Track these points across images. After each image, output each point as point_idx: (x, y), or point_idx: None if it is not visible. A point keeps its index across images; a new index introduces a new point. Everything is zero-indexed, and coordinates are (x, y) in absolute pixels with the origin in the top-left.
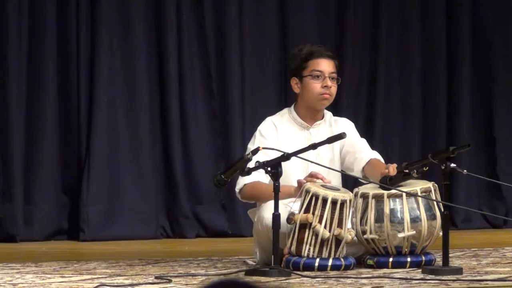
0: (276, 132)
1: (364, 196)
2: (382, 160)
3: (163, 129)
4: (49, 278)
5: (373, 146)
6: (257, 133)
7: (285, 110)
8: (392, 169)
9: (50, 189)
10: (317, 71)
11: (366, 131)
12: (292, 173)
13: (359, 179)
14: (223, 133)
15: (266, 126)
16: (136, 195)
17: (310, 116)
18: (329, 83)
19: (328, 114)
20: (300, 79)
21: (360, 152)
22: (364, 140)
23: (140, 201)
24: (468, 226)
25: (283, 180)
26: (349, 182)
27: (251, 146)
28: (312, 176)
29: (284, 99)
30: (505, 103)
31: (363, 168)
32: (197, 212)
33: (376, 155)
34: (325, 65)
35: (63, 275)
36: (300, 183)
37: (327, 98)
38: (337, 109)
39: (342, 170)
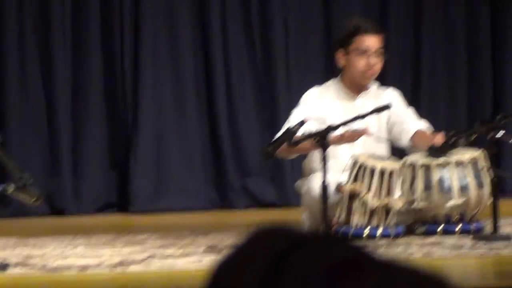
0: (321, 102)
1: (413, 165)
2: (430, 129)
3: (209, 102)
4: (100, 250)
5: (419, 116)
6: (302, 99)
7: (331, 82)
8: (440, 138)
9: (99, 163)
10: (362, 48)
11: (412, 101)
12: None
13: (407, 149)
14: (269, 105)
15: (312, 94)
16: (184, 167)
17: (356, 88)
18: (374, 60)
19: (374, 84)
20: (346, 53)
21: (407, 122)
22: (411, 110)
23: (188, 173)
24: None
25: (329, 151)
26: (397, 152)
27: (295, 111)
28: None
29: (330, 70)
30: None
31: (411, 138)
32: (245, 183)
33: (423, 124)
34: (371, 41)
35: (114, 247)
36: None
37: (371, 76)
38: (383, 78)
39: (388, 140)
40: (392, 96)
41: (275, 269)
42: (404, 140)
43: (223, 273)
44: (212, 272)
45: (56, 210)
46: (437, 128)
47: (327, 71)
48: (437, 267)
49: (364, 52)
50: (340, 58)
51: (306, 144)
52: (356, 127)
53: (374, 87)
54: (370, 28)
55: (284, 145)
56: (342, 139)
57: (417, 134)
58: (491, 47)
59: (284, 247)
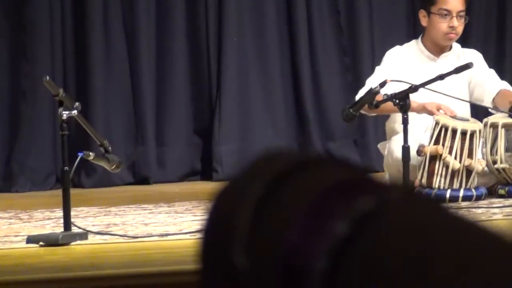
0: (403, 62)
1: (494, 126)
2: None
3: (292, 66)
4: (181, 217)
5: (503, 77)
6: (385, 57)
7: (413, 42)
8: None
9: (182, 131)
10: (445, 9)
11: (496, 57)
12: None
13: (489, 109)
14: (352, 69)
15: (395, 52)
16: (267, 133)
17: (437, 48)
18: (455, 22)
19: (456, 46)
20: (428, 14)
21: (489, 83)
22: (492, 71)
23: (272, 138)
24: None
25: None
26: (479, 112)
27: (377, 70)
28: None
29: (412, 33)
30: None
31: (493, 99)
32: (329, 148)
33: (506, 85)
34: (454, 4)
35: (195, 214)
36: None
37: (453, 38)
38: (466, 39)
39: (470, 101)
40: (473, 57)
41: (272, 190)
42: (487, 101)
43: (223, 194)
44: (215, 194)
45: (140, 179)
46: None
47: (409, 33)
48: None
49: (446, 14)
50: (422, 18)
51: (388, 105)
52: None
53: (455, 48)
54: None
55: (366, 107)
56: (424, 110)
57: (500, 94)
58: None
59: (285, 168)
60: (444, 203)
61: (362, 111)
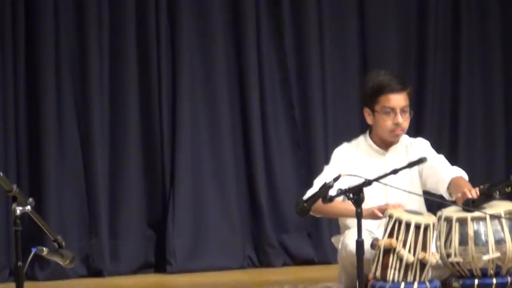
0: (352, 157)
1: (448, 219)
2: (465, 175)
3: (247, 160)
4: None
5: (456, 161)
6: (333, 155)
7: (361, 138)
8: (474, 193)
9: (136, 223)
10: (388, 107)
11: (449, 148)
12: (371, 199)
13: (441, 201)
14: (306, 162)
15: (342, 150)
16: (221, 226)
17: (385, 143)
18: (400, 119)
19: (404, 137)
20: (372, 112)
21: (441, 172)
22: (442, 157)
23: (226, 231)
24: None
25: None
26: (433, 205)
27: (327, 167)
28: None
29: (367, 127)
30: None
31: (447, 188)
32: (283, 240)
33: (457, 172)
34: (396, 101)
35: None
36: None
37: (399, 134)
38: (420, 123)
39: (422, 193)
40: (422, 147)
41: None
42: (442, 190)
43: None
44: None
45: (94, 272)
46: (474, 179)
47: (364, 127)
48: None
49: (390, 111)
50: (368, 117)
51: (341, 207)
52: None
53: (403, 140)
54: (394, 86)
55: (319, 202)
56: (372, 216)
57: (453, 183)
58: None
59: None
60: None
61: (313, 213)
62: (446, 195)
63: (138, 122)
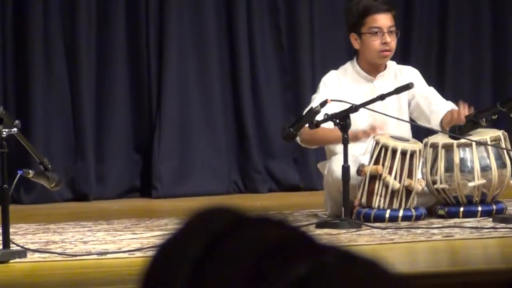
0: (340, 85)
1: (434, 146)
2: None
3: (233, 85)
4: (120, 235)
5: (443, 95)
6: (321, 84)
7: (348, 64)
8: (461, 111)
9: (122, 147)
10: (375, 27)
11: (436, 78)
12: (359, 124)
13: (429, 128)
14: (293, 87)
15: (330, 77)
16: (207, 151)
17: (373, 68)
18: (388, 38)
19: (392, 64)
20: (359, 36)
21: (435, 104)
22: (432, 89)
23: (212, 157)
24: None
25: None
26: (419, 132)
27: (315, 96)
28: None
29: (353, 52)
30: None
31: (441, 120)
32: (269, 166)
33: (451, 106)
34: (383, 20)
35: (134, 232)
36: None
37: (387, 55)
38: (407, 55)
39: (410, 120)
40: (411, 74)
41: (210, 251)
42: (435, 123)
43: (160, 253)
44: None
45: (80, 196)
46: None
47: (351, 52)
48: (457, 248)
49: (377, 31)
50: (354, 42)
51: (329, 134)
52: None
53: (392, 66)
54: (380, 7)
55: (306, 128)
56: (357, 139)
57: (447, 116)
58: None
59: (222, 228)
60: (378, 266)
61: (304, 142)
62: (437, 127)
63: (125, 46)
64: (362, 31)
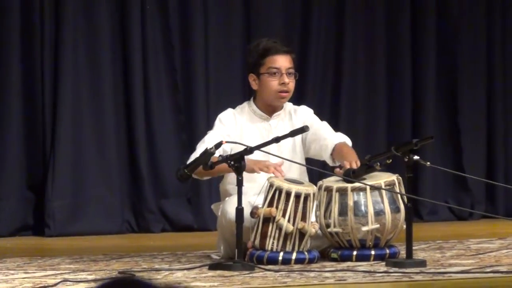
0: (235, 123)
1: (328, 189)
2: (349, 141)
3: (128, 124)
4: (12, 274)
5: (337, 127)
6: (217, 121)
7: (245, 104)
8: (354, 164)
9: (15, 185)
10: (274, 68)
11: (330, 123)
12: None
13: (323, 171)
14: (188, 127)
15: (227, 115)
16: (101, 189)
17: (269, 109)
18: (286, 79)
19: (288, 104)
20: (258, 76)
21: (325, 139)
22: (325, 123)
23: (105, 195)
24: (434, 219)
25: (245, 174)
26: (315, 172)
27: (210, 133)
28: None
29: (248, 93)
30: (470, 94)
31: (331, 154)
32: (162, 206)
33: (341, 138)
34: (282, 61)
35: (27, 271)
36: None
37: (285, 96)
38: (302, 97)
39: (304, 162)
40: (305, 114)
41: None
42: (326, 158)
43: None
44: None
45: None
46: (355, 147)
47: (244, 93)
48: None
49: (276, 72)
50: (253, 82)
51: (222, 166)
52: (272, 159)
53: (287, 107)
54: (279, 48)
55: (200, 167)
56: (255, 169)
57: (336, 149)
58: (411, 73)
59: None
60: None
61: (194, 176)
62: (329, 162)
63: (19, 82)
64: (261, 71)
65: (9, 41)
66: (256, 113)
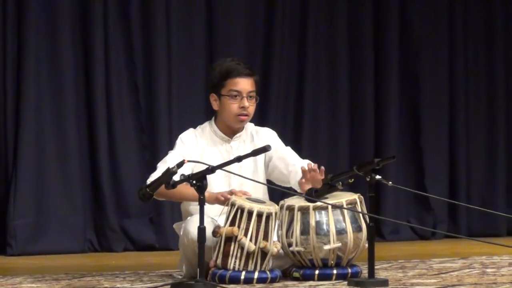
0: (197, 143)
1: (290, 209)
2: (315, 165)
3: (90, 143)
4: None
5: (300, 157)
6: (178, 140)
7: (206, 124)
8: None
9: None
10: (235, 91)
11: (293, 142)
12: (215, 185)
13: (284, 190)
14: (150, 147)
15: (188, 135)
16: (63, 208)
17: (230, 130)
18: (246, 103)
19: (249, 125)
20: (219, 97)
21: (293, 164)
22: (289, 149)
23: (67, 214)
24: (396, 238)
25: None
26: (276, 193)
27: (171, 152)
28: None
29: (210, 112)
30: (433, 113)
31: (300, 180)
32: (124, 225)
33: (307, 163)
34: (243, 84)
35: None
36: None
37: (244, 119)
38: (264, 118)
39: (267, 181)
40: (268, 136)
41: None
42: (294, 183)
43: None
44: None
45: None
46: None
47: (207, 113)
48: None
49: (236, 95)
50: (214, 102)
51: (185, 191)
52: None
53: (249, 128)
54: (241, 71)
55: (162, 187)
56: (217, 201)
57: (304, 176)
58: (374, 92)
59: None
60: None
61: (156, 197)
62: (296, 187)
63: None
64: (222, 93)
65: None
66: (217, 134)
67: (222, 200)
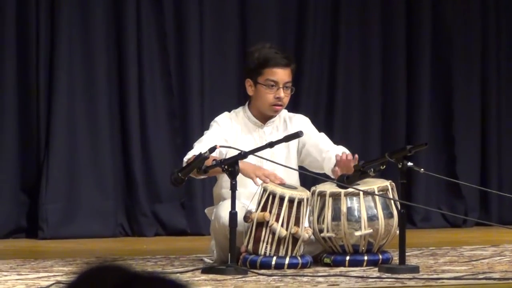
0: (231, 126)
1: (321, 195)
2: (349, 153)
3: (122, 128)
4: (5, 276)
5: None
6: (213, 122)
7: (240, 109)
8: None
9: (9, 188)
10: (272, 80)
11: (325, 129)
12: None
13: (316, 176)
14: (182, 132)
15: (223, 118)
16: (95, 193)
17: (263, 116)
18: (282, 94)
19: (283, 111)
20: (254, 84)
21: (326, 151)
22: (323, 135)
23: (99, 199)
24: (427, 225)
25: (238, 178)
26: (308, 179)
27: (207, 134)
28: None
29: (244, 98)
30: (465, 102)
31: (334, 167)
32: (156, 210)
33: (342, 150)
34: (280, 75)
35: (20, 273)
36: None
37: (279, 109)
38: (296, 107)
39: (300, 168)
40: (301, 123)
41: None
42: (328, 169)
43: None
44: None
45: None
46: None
47: (239, 99)
48: None
49: (273, 85)
50: (249, 88)
51: (216, 169)
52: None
53: (282, 114)
54: (279, 61)
55: (194, 171)
56: (253, 178)
57: (338, 163)
58: (406, 80)
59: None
60: None
61: (191, 175)
62: (330, 174)
63: (14, 86)
64: (258, 81)
65: (3, 48)
66: (250, 119)
67: (254, 180)
